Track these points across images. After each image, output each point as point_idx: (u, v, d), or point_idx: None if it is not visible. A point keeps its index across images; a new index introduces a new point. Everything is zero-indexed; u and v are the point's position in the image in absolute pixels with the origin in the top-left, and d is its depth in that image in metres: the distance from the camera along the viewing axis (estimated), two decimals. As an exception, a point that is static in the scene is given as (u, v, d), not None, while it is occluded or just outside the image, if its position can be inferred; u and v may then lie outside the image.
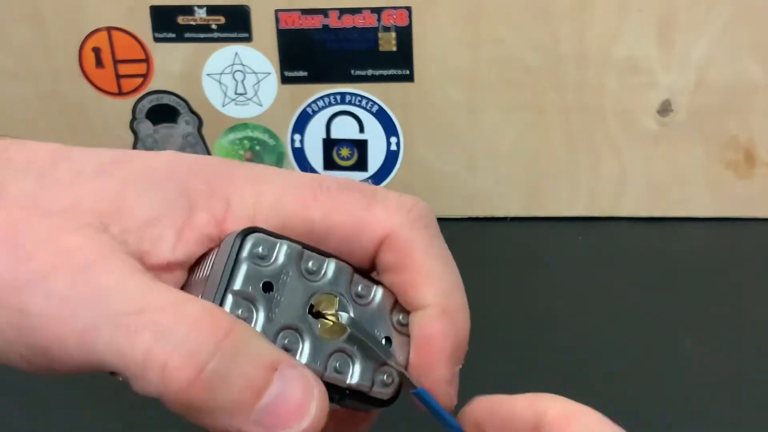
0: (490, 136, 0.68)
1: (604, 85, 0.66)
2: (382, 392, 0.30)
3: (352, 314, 0.29)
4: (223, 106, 0.68)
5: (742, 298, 0.61)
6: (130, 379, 0.26)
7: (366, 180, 0.70)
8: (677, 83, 0.66)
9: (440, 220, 0.73)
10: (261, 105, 0.68)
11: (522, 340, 0.58)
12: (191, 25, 0.66)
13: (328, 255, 0.29)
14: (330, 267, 0.29)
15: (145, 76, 0.68)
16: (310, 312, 0.28)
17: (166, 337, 0.25)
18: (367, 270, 0.31)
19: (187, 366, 0.25)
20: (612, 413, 0.52)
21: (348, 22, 0.65)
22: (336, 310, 0.29)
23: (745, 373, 0.55)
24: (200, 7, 0.66)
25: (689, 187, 0.69)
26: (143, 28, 0.66)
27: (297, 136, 0.69)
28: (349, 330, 0.29)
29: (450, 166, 0.69)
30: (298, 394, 0.26)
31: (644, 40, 0.65)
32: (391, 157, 0.69)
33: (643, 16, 0.64)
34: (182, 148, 0.70)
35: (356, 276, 0.30)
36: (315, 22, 0.65)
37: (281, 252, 0.28)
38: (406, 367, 0.30)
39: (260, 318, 0.27)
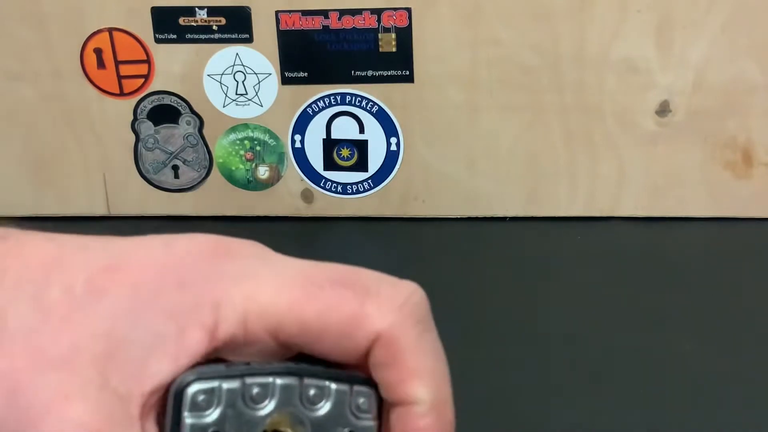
0: (489, 136, 0.69)
1: (602, 86, 0.66)
2: None
3: (306, 423, 0.29)
4: (224, 106, 0.69)
5: (741, 298, 0.61)
6: None
7: (366, 180, 0.70)
8: (676, 84, 0.66)
9: (440, 220, 0.73)
10: (261, 105, 0.68)
11: (522, 340, 0.58)
12: (192, 26, 0.66)
13: (270, 371, 0.29)
14: (276, 387, 0.29)
15: (147, 77, 0.68)
16: None
17: None
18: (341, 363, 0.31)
19: None
20: (612, 413, 0.52)
21: (348, 23, 0.65)
22: (291, 427, 0.29)
23: (745, 373, 0.55)
24: (201, 8, 0.66)
25: (688, 187, 0.69)
26: (144, 29, 0.66)
27: (297, 137, 0.69)
28: None
29: (450, 166, 0.70)
30: None
31: (643, 41, 0.65)
32: (391, 158, 0.69)
33: (642, 17, 0.64)
34: (183, 149, 0.70)
35: (306, 381, 0.29)
36: (315, 23, 0.66)
37: (222, 394, 0.28)
38: None
39: None
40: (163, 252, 0.30)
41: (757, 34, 0.64)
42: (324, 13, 0.65)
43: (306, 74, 0.67)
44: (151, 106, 0.69)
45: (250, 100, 0.68)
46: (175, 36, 0.67)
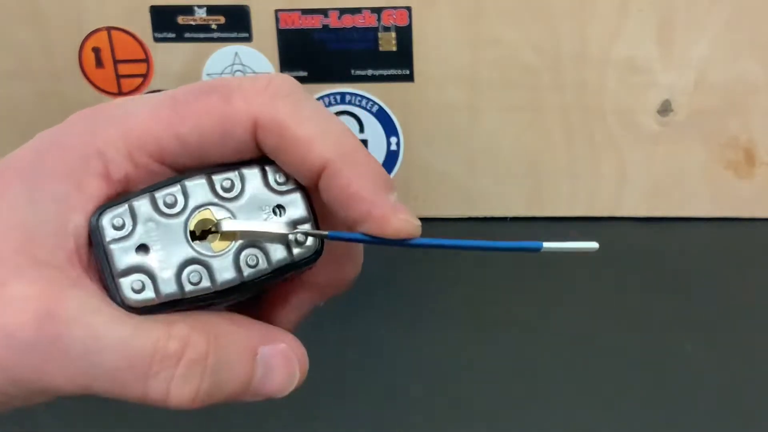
0: (490, 136, 0.68)
1: (604, 85, 0.66)
2: (305, 253, 0.30)
3: (229, 213, 0.29)
4: (223, 106, 0.68)
5: (742, 298, 0.61)
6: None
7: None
8: (677, 83, 0.66)
9: (440, 220, 0.73)
10: (261, 105, 0.68)
11: (522, 340, 0.58)
12: (191, 24, 0.66)
13: (177, 179, 0.29)
14: (186, 188, 0.29)
15: (145, 76, 0.68)
16: (196, 238, 0.29)
17: (159, 380, 0.28)
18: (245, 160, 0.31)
19: (185, 395, 0.28)
20: (612, 413, 0.52)
21: (348, 22, 0.65)
22: (216, 221, 0.29)
23: (746, 373, 0.55)
24: (200, 6, 0.66)
25: (689, 187, 0.69)
26: (143, 28, 0.66)
27: (297, 136, 0.69)
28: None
29: (450, 166, 0.69)
30: (281, 369, 0.30)
31: (644, 40, 0.65)
32: (391, 157, 0.69)
33: (643, 16, 0.64)
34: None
35: (214, 177, 0.30)
36: (315, 22, 0.65)
37: (135, 211, 0.29)
38: (313, 217, 0.30)
39: (156, 277, 0.28)
40: (37, 138, 0.31)
41: (759, 33, 0.64)
42: (324, 12, 0.65)
43: (306, 73, 0.67)
44: (149, 106, 0.68)
45: (249, 99, 0.68)
46: (173, 35, 0.66)
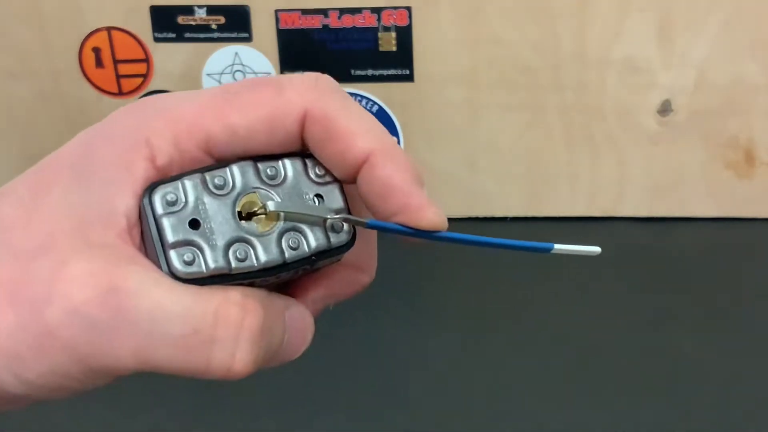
0: (490, 136, 0.68)
1: (604, 85, 0.66)
2: (341, 240, 0.32)
3: (275, 198, 0.31)
4: (223, 106, 0.68)
5: (742, 298, 0.61)
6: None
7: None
8: (677, 83, 0.66)
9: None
10: (261, 105, 0.68)
11: (523, 341, 0.58)
12: (191, 25, 0.66)
13: (225, 164, 0.31)
14: (234, 172, 0.31)
15: (145, 76, 0.68)
16: (242, 218, 0.31)
17: (224, 346, 0.29)
18: (286, 152, 0.33)
19: (249, 361, 0.29)
20: (612, 413, 0.52)
21: (348, 22, 0.65)
22: (261, 203, 0.31)
23: (745, 372, 0.55)
24: (200, 7, 0.66)
25: (689, 187, 0.69)
26: (143, 28, 0.66)
27: (297, 136, 0.69)
28: (281, 213, 0.31)
29: (450, 166, 0.69)
30: (299, 332, 0.32)
31: (644, 40, 0.65)
32: (391, 157, 0.69)
33: (643, 16, 0.64)
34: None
35: (260, 164, 0.31)
36: (315, 22, 0.65)
37: (187, 188, 0.30)
38: (348, 209, 0.32)
39: (206, 251, 0.30)
40: (83, 133, 0.32)
41: (759, 33, 0.64)
42: (324, 12, 0.65)
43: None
44: (149, 106, 0.68)
45: (249, 99, 0.68)
46: (174, 35, 0.66)
